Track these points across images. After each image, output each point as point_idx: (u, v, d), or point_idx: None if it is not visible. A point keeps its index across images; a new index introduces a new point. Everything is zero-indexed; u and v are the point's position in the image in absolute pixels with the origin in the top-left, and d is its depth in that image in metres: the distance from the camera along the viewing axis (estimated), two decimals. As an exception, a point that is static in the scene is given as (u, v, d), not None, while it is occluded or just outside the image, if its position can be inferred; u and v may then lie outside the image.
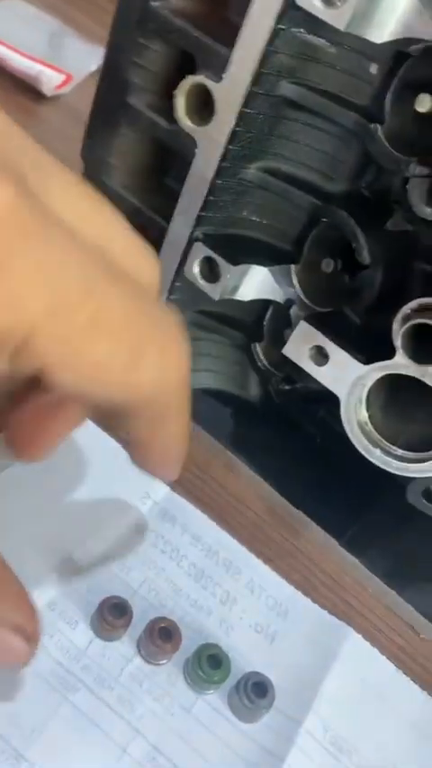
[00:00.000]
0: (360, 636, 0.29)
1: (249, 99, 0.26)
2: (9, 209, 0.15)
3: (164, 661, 0.26)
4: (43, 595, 0.25)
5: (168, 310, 0.18)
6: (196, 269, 0.29)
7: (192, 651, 0.26)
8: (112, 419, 0.20)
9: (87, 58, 0.57)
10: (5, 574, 0.19)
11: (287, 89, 0.26)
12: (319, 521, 0.33)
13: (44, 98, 0.54)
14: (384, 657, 0.29)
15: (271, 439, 0.35)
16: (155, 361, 0.17)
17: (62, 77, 0.54)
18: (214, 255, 0.28)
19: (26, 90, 0.54)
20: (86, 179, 0.33)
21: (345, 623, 0.29)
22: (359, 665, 0.28)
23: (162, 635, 0.25)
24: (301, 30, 0.24)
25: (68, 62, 0.56)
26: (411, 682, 0.29)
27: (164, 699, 0.25)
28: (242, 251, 0.29)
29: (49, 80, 0.53)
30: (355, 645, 0.29)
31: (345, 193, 0.29)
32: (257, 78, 0.25)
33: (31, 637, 0.19)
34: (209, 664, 0.25)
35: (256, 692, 0.25)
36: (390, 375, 0.27)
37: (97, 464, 0.28)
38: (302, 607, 0.29)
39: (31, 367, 0.16)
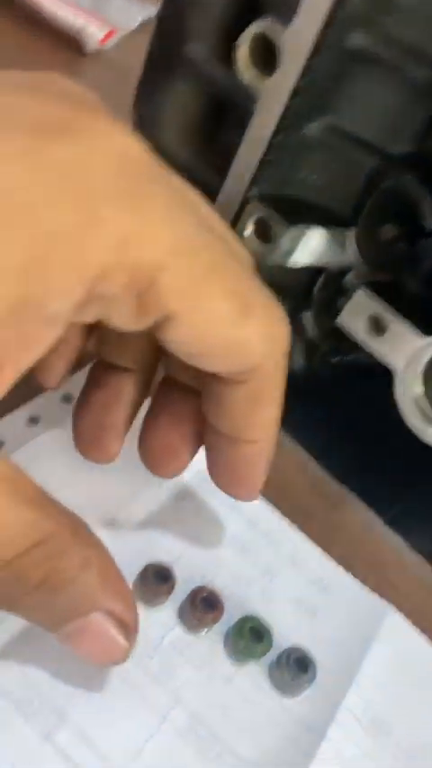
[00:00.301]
0: (401, 616, 0.29)
1: (318, 49, 0.24)
2: (145, 158, 0.17)
3: (204, 631, 0.25)
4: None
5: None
6: (250, 230, 0.28)
7: (232, 622, 0.25)
8: (212, 402, 0.21)
9: (131, 12, 0.55)
10: (107, 558, 0.19)
11: (359, 39, 0.24)
12: (363, 497, 0.32)
13: (87, 52, 0.52)
14: (424, 640, 0.29)
15: (314, 412, 0.34)
16: (262, 322, 0.18)
17: (105, 32, 0.53)
18: (269, 216, 0.27)
19: (69, 45, 0.52)
20: (137, 133, 0.32)
21: (386, 602, 0.29)
22: (399, 645, 0.28)
23: (204, 605, 0.25)
24: (379, -26, 0.23)
25: (112, 16, 0.54)
26: None
27: (204, 669, 0.24)
28: (298, 213, 0.28)
29: (93, 35, 0.52)
30: (395, 625, 0.28)
31: (410, 155, 0.27)
32: (328, 26, 0.23)
33: (131, 632, 0.19)
34: (251, 636, 0.25)
35: (298, 666, 0.25)
36: (448, 349, 0.26)
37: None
38: (343, 583, 0.29)
39: (155, 314, 0.17)
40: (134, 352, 0.23)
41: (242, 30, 0.25)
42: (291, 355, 0.35)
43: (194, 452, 0.24)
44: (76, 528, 0.18)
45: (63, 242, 0.15)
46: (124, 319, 0.17)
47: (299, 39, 0.24)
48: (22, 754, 0.21)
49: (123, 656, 0.20)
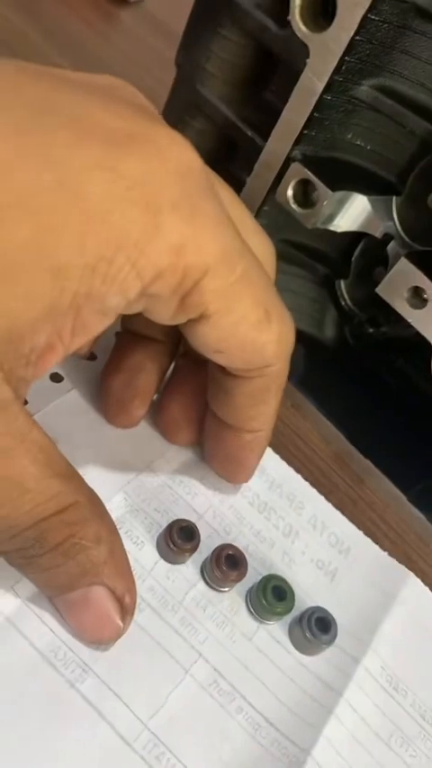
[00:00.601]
0: (419, 581, 0.29)
1: (376, 3, 0.23)
2: (201, 173, 0.19)
3: (226, 588, 0.25)
4: (111, 512, 0.25)
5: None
6: (290, 192, 0.27)
7: (254, 581, 0.25)
8: (219, 392, 0.23)
9: (174, -38, 0.53)
10: (117, 538, 0.21)
11: (420, -6, 0.23)
12: (387, 472, 0.31)
13: (125, 3, 0.51)
14: None
15: (343, 383, 0.34)
16: (278, 328, 0.21)
17: (146, -18, 0.51)
18: (312, 178, 0.26)
19: (108, -7, 0.51)
20: (179, 86, 0.31)
21: (405, 567, 0.29)
22: (418, 609, 0.28)
23: (228, 562, 0.25)
24: None
25: (154, -34, 0.52)
26: None
27: (226, 625, 0.25)
28: (342, 177, 0.27)
29: (133, -16, 0.50)
30: (414, 589, 0.28)
31: (464, 122, 0.26)
32: (389, -21, 0.22)
33: (127, 614, 0.21)
34: (273, 594, 0.25)
35: (319, 626, 0.25)
36: None
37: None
38: (364, 547, 0.29)
39: (193, 313, 0.19)
40: (161, 324, 0.23)
41: (298, -21, 0.24)
42: (323, 323, 0.34)
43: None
44: (95, 505, 0.20)
45: (129, 246, 0.17)
46: (165, 314, 0.19)
47: (358, -10, 0.23)
48: (51, 700, 0.21)
49: (116, 635, 0.21)
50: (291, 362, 0.23)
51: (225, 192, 0.21)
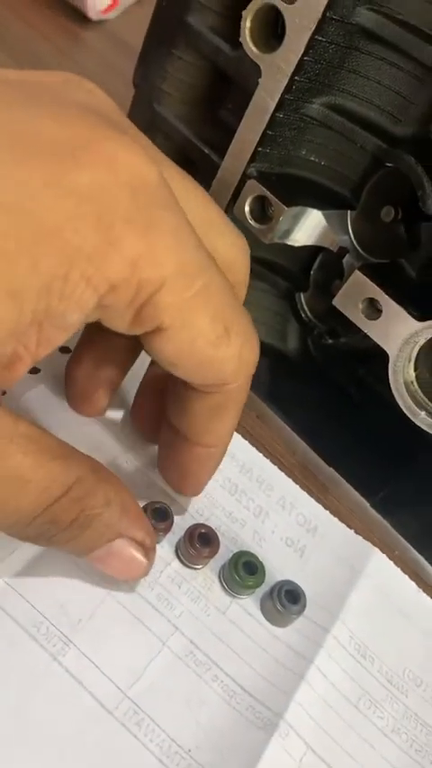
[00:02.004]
0: (384, 555, 0.30)
1: (323, 25, 0.24)
2: (156, 184, 0.18)
3: (200, 566, 0.26)
4: None
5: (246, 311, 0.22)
6: (247, 208, 0.28)
7: (226, 558, 0.27)
8: (177, 403, 0.23)
9: (136, -18, 0.54)
10: (125, 493, 0.22)
11: (364, 16, 0.24)
12: (351, 480, 0.32)
13: (89, 22, 0.52)
14: (406, 577, 0.30)
15: (306, 394, 0.34)
16: (239, 344, 0.21)
17: (108, 2, 0.52)
18: (268, 194, 0.27)
19: (71, 12, 0.52)
20: (137, 105, 0.31)
21: (370, 543, 0.30)
22: (383, 581, 0.29)
23: (201, 540, 0.26)
24: None
25: (116, -14, 0.53)
26: (430, 600, 0.30)
27: (200, 600, 0.26)
28: (297, 192, 0.28)
29: (95, 4, 0.51)
30: (379, 563, 0.30)
31: (412, 138, 0.27)
32: (334, 2, 0.23)
33: (149, 550, 0.22)
34: (245, 569, 0.26)
35: (288, 598, 0.26)
36: (442, 335, 0.26)
37: (136, 380, 0.28)
38: (330, 525, 0.30)
39: (148, 326, 0.19)
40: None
41: (247, 3, 0.25)
42: (285, 335, 0.35)
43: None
44: (97, 471, 0.21)
45: (83, 262, 0.17)
46: (120, 325, 0.19)
47: (304, 14, 0.24)
48: (34, 673, 0.22)
49: (144, 572, 0.23)
50: (255, 373, 0.22)
51: (194, 192, 0.21)
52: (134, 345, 0.25)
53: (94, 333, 0.25)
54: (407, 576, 0.30)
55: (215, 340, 0.20)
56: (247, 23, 0.25)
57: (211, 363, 0.20)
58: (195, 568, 0.26)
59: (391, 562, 0.30)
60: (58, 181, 0.16)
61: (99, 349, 0.25)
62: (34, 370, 0.28)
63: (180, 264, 0.18)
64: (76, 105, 0.18)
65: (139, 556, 0.22)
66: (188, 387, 0.22)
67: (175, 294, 0.19)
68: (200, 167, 0.30)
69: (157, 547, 0.26)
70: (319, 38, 0.24)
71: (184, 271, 0.19)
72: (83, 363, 0.26)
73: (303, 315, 0.33)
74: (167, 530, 0.26)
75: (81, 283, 0.17)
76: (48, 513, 0.19)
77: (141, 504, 0.26)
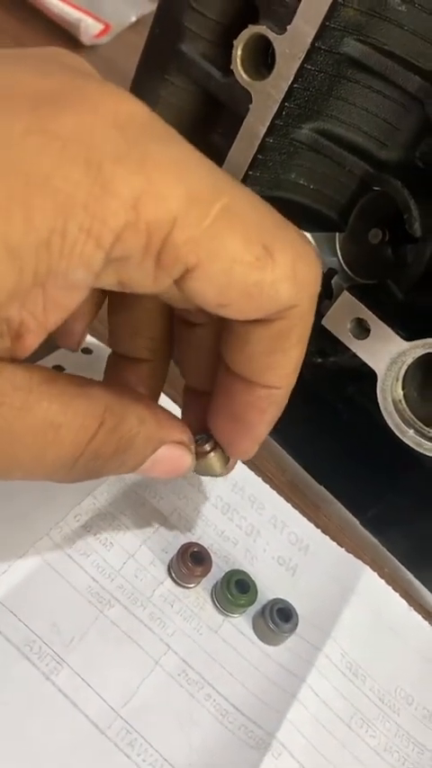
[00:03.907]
0: (375, 573, 0.30)
1: (311, 54, 0.24)
2: (146, 117, 0.17)
3: (193, 584, 0.26)
4: (79, 517, 0.27)
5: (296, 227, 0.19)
6: (238, 230, 0.28)
7: (218, 577, 0.27)
8: (233, 340, 0.20)
9: (127, 8, 0.55)
10: (154, 405, 0.22)
11: (351, 47, 0.25)
12: (341, 498, 0.32)
13: (81, 47, 0.53)
14: (397, 595, 0.30)
15: (296, 412, 0.34)
16: (289, 261, 0.18)
17: (101, 27, 0.53)
18: (259, 217, 0.27)
19: (64, 37, 0.52)
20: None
21: (360, 561, 0.30)
22: (374, 600, 0.30)
23: (194, 559, 0.26)
24: (374, -17, 0.23)
25: (108, 11, 0.54)
26: (421, 618, 0.30)
27: (192, 619, 0.26)
28: (287, 215, 0.28)
29: (88, 28, 0.52)
30: (370, 581, 0.30)
31: (399, 162, 0.27)
32: (322, 32, 0.24)
33: (189, 446, 0.22)
34: (237, 587, 0.26)
35: (280, 616, 0.26)
36: (429, 354, 0.26)
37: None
38: (322, 544, 0.30)
39: (174, 270, 0.17)
40: (146, 341, 0.24)
41: (239, 32, 0.25)
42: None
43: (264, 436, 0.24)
44: (123, 396, 0.20)
45: (79, 211, 0.15)
46: (144, 281, 0.17)
47: (293, 43, 0.24)
48: (27, 692, 0.22)
49: (191, 465, 0.23)
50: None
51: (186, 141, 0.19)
52: (159, 367, 0.24)
53: (116, 365, 0.25)
54: (398, 595, 0.30)
55: (255, 262, 0.17)
56: (238, 52, 0.26)
57: (260, 290, 0.18)
58: (188, 587, 0.27)
59: (382, 580, 0.30)
60: (40, 126, 0.15)
61: (123, 382, 0.24)
62: (60, 369, 0.29)
63: (189, 194, 0.16)
64: (60, 63, 0.18)
65: (182, 452, 0.22)
66: (244, 320, 0.20)
67: (192, 227, 0.16)
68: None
69: (151, 566, 0.26)
70: (308, 66, 0.25)
71: (196, 199, 0.17)
72: None
73: (293, 334, 0.33)
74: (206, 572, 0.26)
75: (81, 236, 0.16)
76: (89, 450, 0.19)
77: (134, 524, 0.26)
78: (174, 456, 0.22)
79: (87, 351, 0.30)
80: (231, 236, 0.17)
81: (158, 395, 0.25)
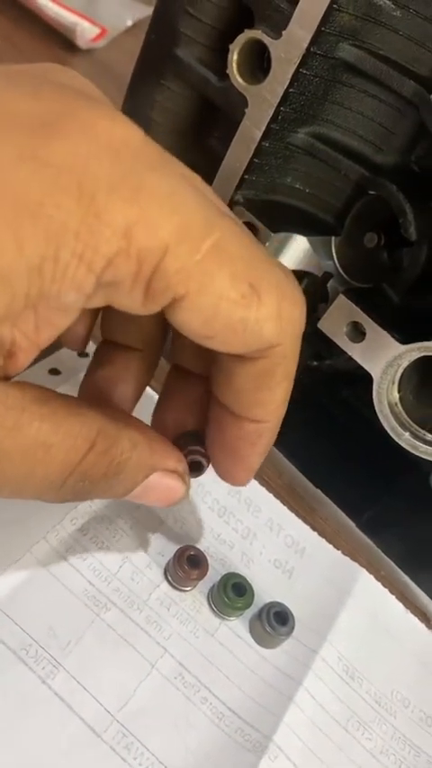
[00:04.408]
0: (371, 576, 0.30)
1: (307, 59, 0.25)
2: (141, 145, 0.17)
3: (189, 588, 0.26)
4: (76, 520, 0.27)
5: (284, 265, 0.20)
6: (235, 234, 0.28)
7: (214, 580, 0.27)
8: (221, 375, 0.21)
9: (123, 12, 0.56)
10: (148, 430, 0.22)
11: (346, 51, 0.25)
12: (338, 501, 0.32)
13: (78, 50, 0.53)
14: (394, 597, 0.30)
15: (292, 415, 0.34)
16: (274, 301, 0.18)
17: (97, 30, 0.53)
18: (254, 221, 0.27)
19: (60, 41, 0.53)
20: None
21: (357, 564, 0.30)
22: (371, 602, 0.30)
23: (190, 562, 0.26)
24: (369, -11, 0.23)
25: (104, 15, 0.54)
26: (418, 621, 0.30)
27: (189, 622, 0.26)
28: (283, 219, 0.28)
29: (84, 32, 0.52)
30: (366, 584, 0.30)
31: (394, 167, 0.28)
32: (317, 37, 0.24)
33: (183, 474, 0.22)
34: (234, 591, 0.26)
35: (277, 620, 0.26)
36: (424, 357, 0.26)
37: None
38: (318, 547, 0.31)
39: (162, 298, 0.17)
40: (140, 331, 0.24)
41: (234, 37, 0.25)
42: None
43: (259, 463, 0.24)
44: (117, 418, 0.20)
45: (70, 239, 0.16)
46: (133, 304, 0.18)
47: (289, 48, 0.24)
48: (23, 696, 0.22)
49: (184, 495, 0.22)
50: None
51: (194, 177, 0.20)
52: (149, 359, 0.24)
53: (106, 351, 0.24)
54: (394, 597, 0.30)
55: (241, 300, 0.18)
56: (234, 56, 0.26)
57: (244, 327, 0.18)
58: (184, 590, 0.27)
59: (379, 583, 0.30)
60: (32, 153, 0.15)
61: (111, 368, 0.24)
62: (55, 372, 0.29)
63: (182, 225, 0.17)
64: (54, 83, 0.17)
65: (176, 483, 0.22)
66: (231, 357, 0.20)
67: (182, 258, 0.17)
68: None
69: (147, 569, 0.26)
70: (304, 71, 0.25)
71: (188, 232, 0.17)
72: (96, 384, 0.24)
73: (289, 337, 0.33)
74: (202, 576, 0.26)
75: (73, 261, 0.16)
76: (78, 471, 0.19)
77: (130, 527, 0.26)
78: (166, 485, 0.22)
79: (84, 354, 0.30)
80: (220, 271, 0.17)
81: (145, 385, 0.25)
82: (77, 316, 0.17)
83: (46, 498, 0.19)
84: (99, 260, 0.16)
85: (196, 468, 0.23)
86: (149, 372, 0.25)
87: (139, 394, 0.25)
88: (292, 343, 0.20)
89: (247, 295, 0.18)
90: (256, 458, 0.23)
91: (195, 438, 0.24)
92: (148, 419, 0.25)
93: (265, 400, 0.21)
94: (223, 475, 0.24)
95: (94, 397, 0.24)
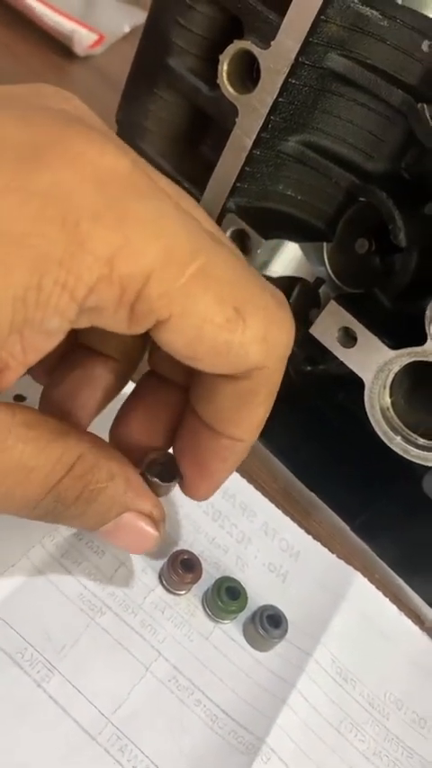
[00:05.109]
0: (365, 579, 0.31)
1: (295, 69, 0.25)
2: (127, 174, 0.17)
3: (183, 591, 0.27)
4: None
5: (275, 288, 0.20)
6: (227, 241, 0.28)
7: (209, 584, 0.27)
8: (202, 390, 0.21)
9: (121, 19, 0.56)
10: (129, 467, 0.22)
11: (335, 61, 0.25)
12: (332, 504, 0.32)
13: (75, 57, 0.53)
14: (388, 600, 0.31)
15: (288, 420, 0.35)
16: (260, 324, 0.18)
17: (95, 37, 0.53)
18: (246, 228, 0.28)
19: (58, 48, 0.53)
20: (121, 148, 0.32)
21: (351, 567, 0.31)
22: (365, 605, 0.30)
23: (184, 566, 0.26)
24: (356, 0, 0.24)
25: (102, 22, 0.55)
26: (411, 623, 0.30)
27: (183, 626, 0.26)
28: (275, 226, 0.29)
29: (82, 39, 0.53)
30: (360, 587, 0.30)
31: (384, 174, 0.28)
32: (306, 48, 0.24)
33: (158, 522, 0.22)
34: (227, 594, 0.26)
35: (270, 622, 0.26)
36: (415, 362, 0.27)
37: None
38: (313, 551, 0.31)
39: (146, 321, 0.18)
40: (120, 341, 0.24)
41: (225, 47, 0.26)
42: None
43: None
44: (98, 447, 0.21)
45: (54, 268, 0.16)
46: (118, 326, 0.18)
47: (278, 58, 0.25)
48: (18, 699, 0.22)
49: (155, 543, 0.22)
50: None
51: (184, 198, 0.20)
52: (123, 369, 0.24)
53: (78, 355, 0.24)
54: (388, 600, 0.31)
55: (225, 324, 0.18)
56: (224, 66, 0.26)
57: (229, 350, 0.18)
58: (178, 594, 0.27)
59: (373, 586, 0.31)
60: (19, 184, 0.16)
61: (81, 372, 0.24)
62: (20, 398, 0.29)
63: (166, 251, 0.17)
64: (45, 109, 0.18)
65: (148, 528, 0.22)
66: (214, 374, 0.20)
67: (166, 283, 0.17)
68: (181, 201, 0.31)
69: (141, 574, 0.27)
70: (293, 81, 0.25)
71: (172, 257, 0.17)
72: (62, 386, 0.24)
73: (283, 343, 0.33)
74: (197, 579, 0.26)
75: (56, 290, 0.16)
76: (52, 493, 0.20)
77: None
78: (139, 528, 0.22)
79: None
80: (204, 296, 0.18)
81: (112, 398, 0.24)
82: (62, 339, 0.18)
83: (20, 515, 0.20)
84: (81, 287, 0.16)
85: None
86: (120, 385, 0.24)
87: (102, 405, 0.24)
88: (277, 366, 0.20)
89: (232, 319, 0.18)
90: (224, 474, 0.23)
91: (170, 466, 0.23)
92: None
93: (245, 419, 0.21)
94: (187, 488, 0.24)
95: (55, 400, 0.24)
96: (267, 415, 0.22)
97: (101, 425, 0.24)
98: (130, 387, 0.25)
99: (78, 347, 0.24)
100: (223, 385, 0.20)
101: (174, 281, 0.17)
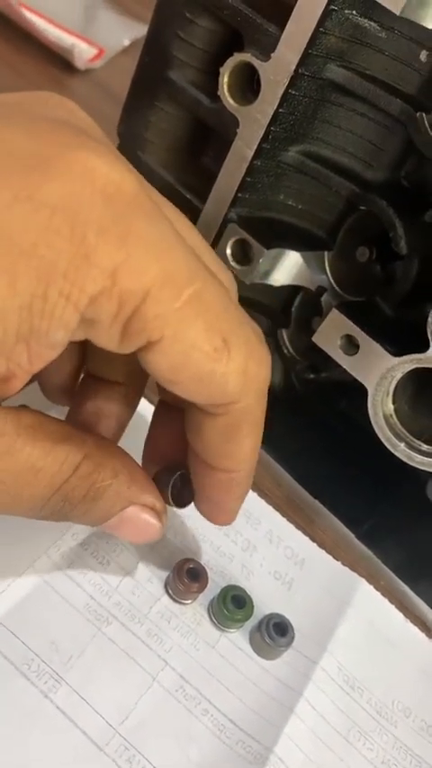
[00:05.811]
0: (371, 586, 0.31)
1: (295, 80, 0.25)
2: (134, 192, 0.17)
3: (189, 600, 0.27)
4: (77, 535, 0.27)
5: (254, 322, 0.20)
6: (229, 251, 0.29)
7: (215, 592, 0.27)
8: (192, 427, 0.22)
9: (121, 32, 0.56)
10: (132, 463, 0.22)
11: (334, 72, 0.25)
12: (336, 512, 0.32)
13: (76, 71, 0.53)
14: (393, 607, 0.31)
15: (291, 428, 0.35)
16: (242, 358, 0.19)
17: (95, 51, 0.54)
18: (248, 238, 0.28)
19: (58, 62, 0.53)
20: (121, 153, 0.32)
21: (356, 574, 0.31)
22: (371, 613, 0.30)
23: (190, 575, 0.26)
24: (354, 11, 0.24)
25: (102, 36, 0.55)
26: (418, 630, 0.30)
27: (190, 635, 0.26)
28: (276, 235, 0.29)
29: (82, 53, 0.53)
30: (366, 594, 0.30)
31: (384, 182, 0.28)
32: (305, 59, 0.25)
33: (161, 513, 0.23)
34: (233, 603, 0.26)
35: (276, 631, 0.26)
36: (418, 369, 0.27)
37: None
38: (318, 558, 0.31)
39: (137, 340, 0.18)
40: (122, 366, 0.24)
41: (225, 60, 0.26)
42: (271, 371, 0.36)
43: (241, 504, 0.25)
44: (103, 446, 0.21)
45: (59, 278, 0.16)
46: (109, 342, 0.18)
47: (278, 70, 0.25)
48: (25, 710, 0.22)
49: (159, 533, 0.23)
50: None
51: (182, 222, 0.21)
52: (132, 393, 0.25)
53: (89, 385, 0.25)
54: (394, 607, 0.31)
55: (213, 353, 0.18)
56: (224, 78, 0.26)
57: (210, 379, 0.19)
58: (184, 603, 0.27)
59: (378, 593, 0.31)
60: (28, 194, 0.16)
61: (94, 402, 0.24)
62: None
63: (165, 273, 0.17)
64: (51, 120, 0.18)
65: (152, 519, 0.23)
66: (198, 409, 0.21)
67: (162, 304, 0.17)
68: (183, 212, 0.31)
69: (147, 583, 0.27)
70: (293, 92, 0.25)
71: (171, 280, 0.18)
72: (79, 418, 0.24)
73: (286, 351, 0.34)
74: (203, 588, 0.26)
75: (61, 301, 0.17)
76: (60, 493, 0.20)
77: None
78: (143, 520, 0.22)
79: None
80: (195, 321, 0.18)
81: (128, 419, 0.25)
82: (64, 348, 0.18)
83: (28, 516, 0.21)
84: (83, 298, 0.17)
85: (178, 503, 0.24)
86: (132, 406, 0.25)
87: (122, 428, 0.25)
88: (256, 399, 0.20)
89: (219, 349, 0.18)
90: (234, 503, 0.24)
91: (177, 471, 0.24)
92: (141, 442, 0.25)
93: (233, 452, 0.22)
94: (206, 515, 0.25)
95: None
96: (258, 446, 0.22)
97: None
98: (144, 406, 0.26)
99: (86, 378, 0.25)
100: (207, 421, 0.21)
101: (170, 304, 0.18)
